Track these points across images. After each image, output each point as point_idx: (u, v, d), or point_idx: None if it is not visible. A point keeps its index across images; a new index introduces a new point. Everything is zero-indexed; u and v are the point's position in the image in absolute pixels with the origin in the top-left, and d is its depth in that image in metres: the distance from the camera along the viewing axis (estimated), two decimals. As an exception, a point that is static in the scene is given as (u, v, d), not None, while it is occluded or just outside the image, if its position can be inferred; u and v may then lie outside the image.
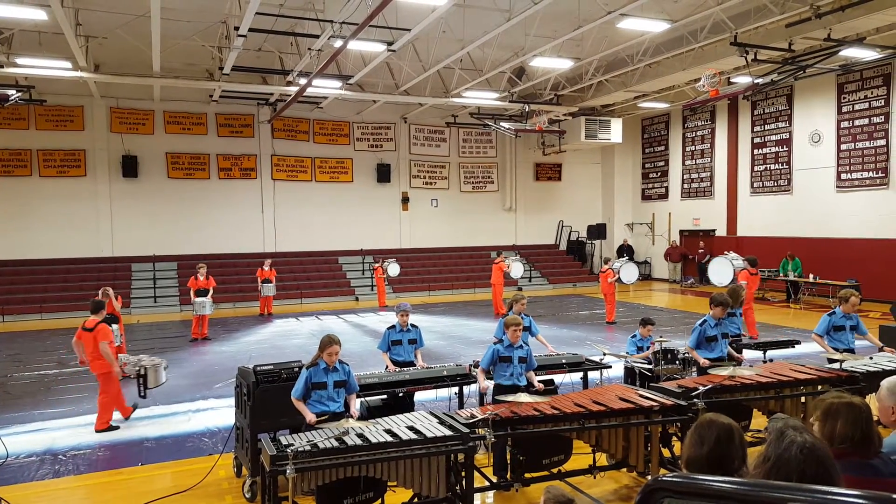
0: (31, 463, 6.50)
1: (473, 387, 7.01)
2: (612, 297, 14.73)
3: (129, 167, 19.44)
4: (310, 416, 5.03)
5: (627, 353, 7.79)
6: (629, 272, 14.90)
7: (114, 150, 19.45)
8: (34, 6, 11.13)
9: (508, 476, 5.28)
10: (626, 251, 25.17)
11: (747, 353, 8.38)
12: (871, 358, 6.83)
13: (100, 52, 15.55)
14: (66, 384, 9.85)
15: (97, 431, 7.42)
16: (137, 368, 7.62)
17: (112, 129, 19.38)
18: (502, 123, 21.15)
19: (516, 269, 17.71)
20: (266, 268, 16.92)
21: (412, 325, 7.30)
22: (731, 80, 16.35)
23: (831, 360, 6.74)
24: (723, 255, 12.90)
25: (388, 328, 7.28)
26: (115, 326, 9.89)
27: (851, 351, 7.11)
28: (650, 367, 7.18)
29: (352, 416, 5.15)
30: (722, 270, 12.36)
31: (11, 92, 15.76)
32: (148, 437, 7.32)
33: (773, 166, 20.06)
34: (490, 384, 6.12)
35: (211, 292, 13.79)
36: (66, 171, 19.02)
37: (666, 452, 5.65)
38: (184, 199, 20.24)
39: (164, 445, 7.05)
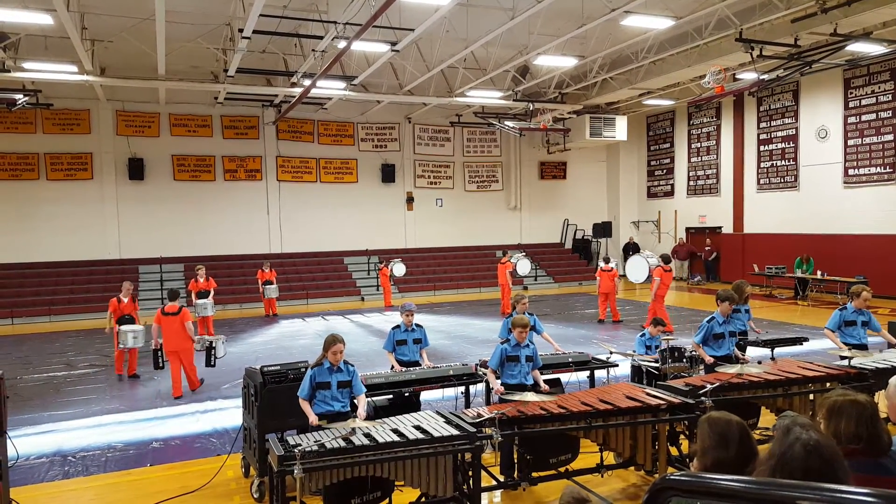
0: (41, 464, 6.55)
1: (480, 386, 7.01)
2: (614, 296, 14.69)
3: (136, 170, 19.53)
4: (312, 418, 5.04)
5: (635, 351, 7.76)
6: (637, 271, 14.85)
7: (120, 152, 19.55)
8: (40, 11, 11.19)
9: (515, 475, 5.28)
10: (631, 249, 25.14)
11: (755, 351, 8.35)
12: (881, 351, 6.80)
13: (105, 56, 15.62)
14: (75, 386, 9.91)
15: (193, 391, 9.18)
16: (206, 343, 9.21)
17: (118, 132, 19.48)
18: (506, 122, 21.11)
19: (522, 266, 17.70)
20: (266, 269, 16.97)
21: (417, 325, 7.31)
22: (737, 77, 16.26)
23: (843, 357, 6.70)
24: (639, 254, 13.67)
25: (393, 328, 7.29)
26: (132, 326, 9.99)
27: (864, 347, 7.07)
28: (657, 365, 7.16)
29: (358, 417, 5.16)
30: (638, 267, 13.22)
31: (18, 96, 15.88)
32: (156, 437, 7.36)
33: (779, 163, 19.96)
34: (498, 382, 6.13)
35: (212, 293, 13.85)
36: (73, 175, 19.12)
37: (674, 451, 5.63)
38: (190, 201, 20.32)
39: (172, 446, 7.09)
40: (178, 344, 8.99)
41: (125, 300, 10.47)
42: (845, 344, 7.06)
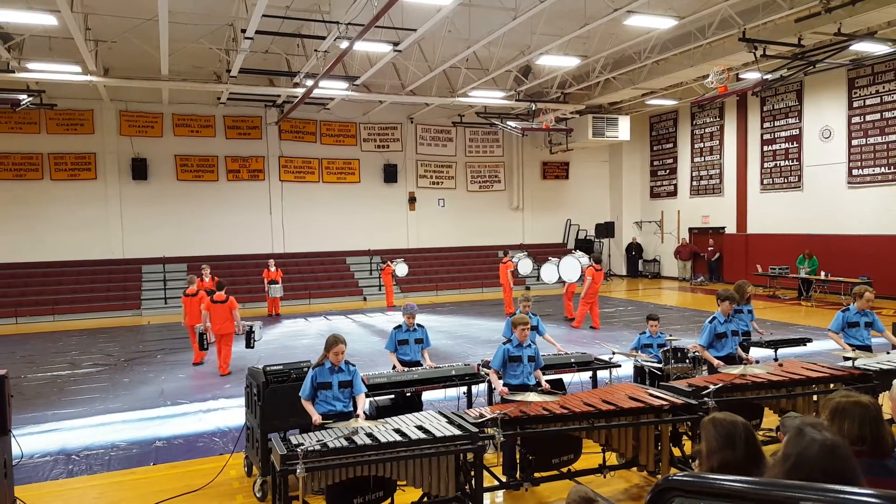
0: (45, 463, 6.57)
1: (482, 386, 7.01)
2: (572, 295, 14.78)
3: (139, 170, 19.57)
4: (315, 417, 5.05)
5: (637, 350, 7.74)
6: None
7: (123, 153, 19.59)
8: (44, 11, 11.22)
9: (518, 475, 5.28)
10: (634, 249, 25.12)
11: (759, 352, 8.33)
12: (888, 353, 6.77)
13: (109, 56, 15.66)
14: (79, 385, 9.94)
15: (223, 376, 10.30)
16: (247, 328, 10.52)
17: (121, 132, 19.52)
18: (509, 122, 21.11)
19: (524, 265, 17.69)
20: (272, 268, 17.00)
21: (418, 325, 7.32)
22: (740, 77, 16.25)
23: (847, 358, 6.68)
24: (571, 255, 14.58)
25: (395, 328, 7.30)
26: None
27: (867, 348, 7.02)
28: (660, 365, 7.15)
29: (359, 417, 5.16)
30: (571, 267, 14.08)
31: (23, 96, 15.94)
32: (159, 436, 7.37)
33: (783, 163, 19.91)
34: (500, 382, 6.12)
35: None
36: (77, 175, 19.17)
37: (676, 451, 5.63)
38: (193, 201, 20.35)
39: (175, 445, 7.10)
40: (224, 328, 10.38)
41: (206, 280, 12.27)
42: (848, 345, 7.03)
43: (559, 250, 24.96)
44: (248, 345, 10.65)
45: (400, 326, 7.27)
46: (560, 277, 14.53)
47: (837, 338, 7.14)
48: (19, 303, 17.28)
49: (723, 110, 21.91)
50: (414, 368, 6.94)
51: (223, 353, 10.47)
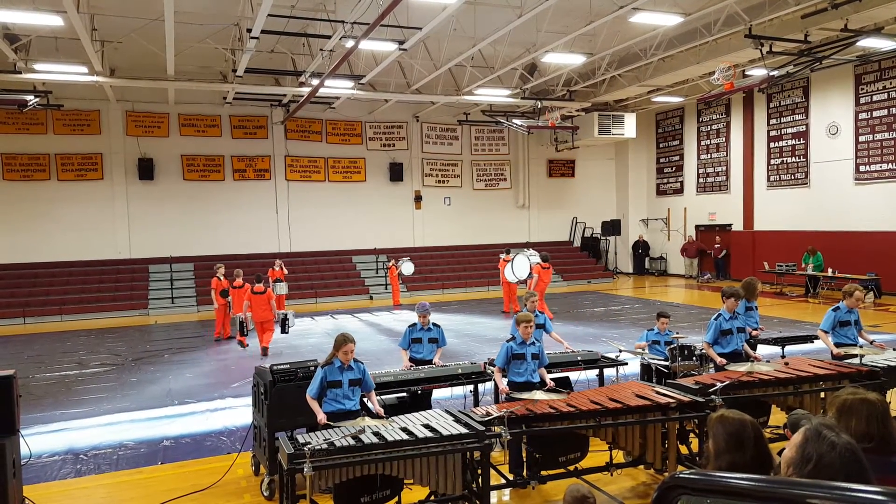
0: (53, 462, 6.61)
1: (488, 385, 7.01)
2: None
3: (145, 170, 19.65)
4: (321, 416, 5.07)
5: (645, 349, 7.72)
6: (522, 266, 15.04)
7: (130, 153, 19.67)
8: (51, 12, 11.28)
9: (525, 473, 5.27)
10: (641, 247, 25.05)
11: (766, 350, 8.29)
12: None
13: (115, 57, 15.73)
14: (87, 385, 9.99)
15: (264, 350, 11.57)
16: (281, 316, 11.96)
17: (128, 132, 19.60)
18: (514, 120, 21.09)
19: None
20: (277, 268, 17.03)
21: (434, 324, 7.33)
22: (746, 73, 16.17)
23: (835, 357, 6.65)
24: (521, 252, 15.37)
25: (409, 326, 7.34)
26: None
27: (855, 346, 7.01)
28: (667, 363, 7.13)
29: (378, 414, 5.20)
30: (521, 265, 14.82)
31: (29, 97, 16.02)
32: (167, 436, 7.40)
33: (789, 159, 19.81)
34: (504, 381, 6.13)
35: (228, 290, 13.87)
36: (84, 175, 19.26)
37: (683, 449, 5.61)
38: (199, 201, 20.42)
39: (182, 444, 7.13)
40: (263, 316, 11.78)
41: (223, 279, 13.51)
42: (841, 344, 6.99)
43: (565, 248, 24.97)
44: (284, 330, 11.94)
45: (415, 325, 7.29)
46: (514, 274, 14.88)
47: (827, 338, 7.07)
48: (27, 303, 17.39)
49: (729, 107, 21.81)
50: (421, 367, 6.95)
51: (265, 337, 11.75)
